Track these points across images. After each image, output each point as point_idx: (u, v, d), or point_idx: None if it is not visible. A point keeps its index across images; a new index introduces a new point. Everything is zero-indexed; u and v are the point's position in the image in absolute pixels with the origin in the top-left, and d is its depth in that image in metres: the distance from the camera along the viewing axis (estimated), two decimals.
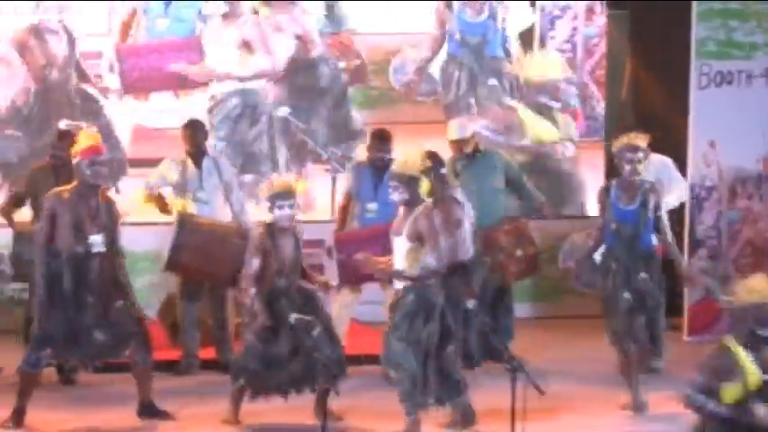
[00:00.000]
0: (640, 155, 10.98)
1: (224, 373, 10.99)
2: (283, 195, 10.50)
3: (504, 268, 11.81)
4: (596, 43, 14.76)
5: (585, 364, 12.15)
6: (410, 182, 10.14)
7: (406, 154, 10.56)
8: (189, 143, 12.03)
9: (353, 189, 12.24)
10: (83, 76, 13.23)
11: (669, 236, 11.15)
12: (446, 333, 10.20)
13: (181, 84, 13.61)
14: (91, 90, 13.49)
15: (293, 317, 10.38)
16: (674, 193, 12.42)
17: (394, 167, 10.22)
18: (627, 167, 11.10)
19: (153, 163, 12.41)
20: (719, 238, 13.50)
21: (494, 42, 14.43)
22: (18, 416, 10.21)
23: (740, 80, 13.40)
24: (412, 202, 10.14)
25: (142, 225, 12.69)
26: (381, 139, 12.21)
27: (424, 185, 10.12)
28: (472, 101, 14.34)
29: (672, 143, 12.94)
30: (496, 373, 10.60)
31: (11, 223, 11.59)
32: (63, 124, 12.44)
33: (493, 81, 14.54)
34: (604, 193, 11.05)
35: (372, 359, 11.72)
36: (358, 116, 14.17)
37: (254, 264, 10.44)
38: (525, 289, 11.88)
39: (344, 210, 12.32)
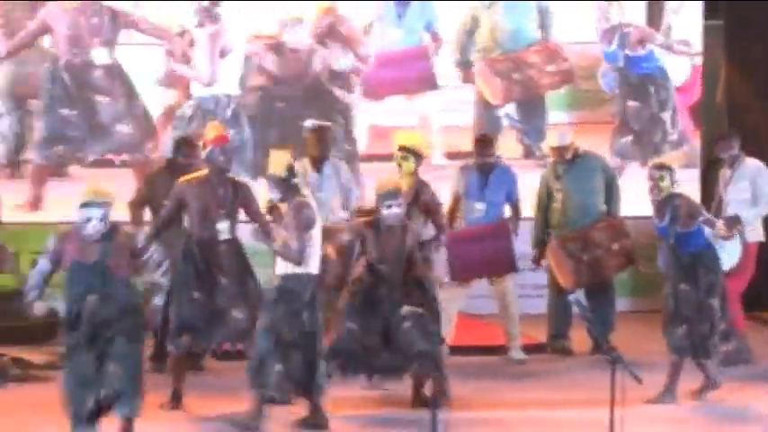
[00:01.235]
0: (663, 173, 10.76)
1: None
2: (392, 195, 10.51)
3: (604, 263, 11.75)
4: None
5: None
6: (279, 182, 10.09)
7: (272, 156, 10.49)
8: (316, 148, 11.89)
9: (461, 190, 12.12)
10: (333, 78, 13.40)
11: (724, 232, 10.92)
12: (311, 329, 10.06)
13: (412, 88, 13.80)
14: (338, 92, 13.64)
15: (405, 309, 10.34)
16: (766, 195, 12.18)
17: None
18: (650, 184, 11.01)
19: (385, 158, 12.57)
20: None
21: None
22: (176, 397, 10.27)
23: None
24: (285, 200, 10.10)
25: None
26: (485, 143, 12.15)
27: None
28: None
29: (766, 148, 12.81)
30: (597, 364, 10.66)
31: (139, 222, 11.37)
32: (309, 123, 12.47)
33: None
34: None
35: (479, 350, 12.01)
36: None
37: (354, 251, 10.51)
38: (624, 284, 11.84)
39: (453, 210, 12.19)
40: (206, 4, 13.38)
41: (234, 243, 10.44)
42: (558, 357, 12.02)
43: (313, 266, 9.96)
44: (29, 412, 10.32)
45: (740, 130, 12.72)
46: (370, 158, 13.66)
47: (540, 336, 12.38)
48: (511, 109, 13.95)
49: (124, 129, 13.17)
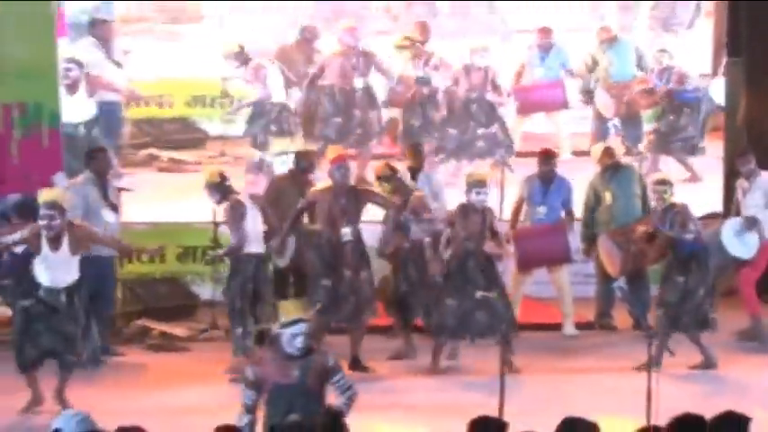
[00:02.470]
0: (665, 187, 11.01)
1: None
2: (478, 184, 10.82)
3: (644, 254, 11.45)
4: None
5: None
6: (214, 187, 10.55)
7: (204, 170, 11.17)
8: (414, 160, 11.91)
9: (525, 196, 12.18)
10: (495, 89, 13.70)
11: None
12: (257, 295, 10.48)
13: (550, 108, 14.39)
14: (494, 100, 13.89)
15: (479, 294, 10.63)
16: None
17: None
18: (655, 197, 11.23)
19: (532, 155, 12.96)
20: None
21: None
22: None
23: None
24: (222, 201, 10.56)
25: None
26: (547, 157, 12.24)
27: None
28: None
29: None
30: (637, 338, 11.01)
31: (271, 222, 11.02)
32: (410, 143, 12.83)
33: None
34: None
35: (539, 327, 12.13)
36: None
37: (446, 232, 10.71)
38: (657, 273, 11.53)
39: (517, 211, 12.24)
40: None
41: (355, 242, 10.65)
42: (604, 333, 12.08)
43: (255, 247, 10.54)
44: (172, 374, 10.80)
45: (756, 148, 12.74)
46: (522, 155, 13.89)
47: (589, 315, 12.38)
48: (617, 121, 14.27)
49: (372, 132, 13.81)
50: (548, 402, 9.28)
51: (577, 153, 14.13)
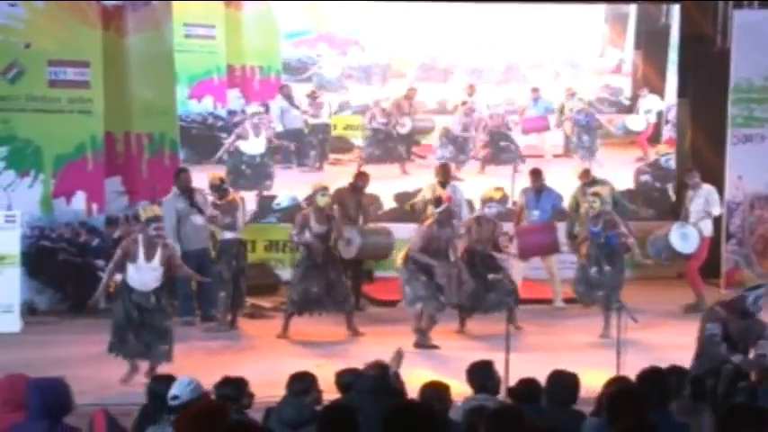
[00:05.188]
0: (596, 198, 10.76)
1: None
2: (490, 200, 10.80)
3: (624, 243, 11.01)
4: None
5: (659, 305, 11.84)
6: (215, 187, 10.63)
7: (209, 174, 10.98)
8: (442, 176, 11.82)
9: (524, 203, 12.23)
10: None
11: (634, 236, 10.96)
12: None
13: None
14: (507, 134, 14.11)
15: (490, 276, 10.45)
16: (715, 207, 12.12)
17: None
18: (585, 205, 11.14)
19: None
20: (744, 233, 13.15)
21: None
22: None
23: (757, 140, 13.03)
24: (222, 197, 10.58)
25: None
26: (536, 174, 12.20)
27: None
28: None
29: (715, 177, 12.72)
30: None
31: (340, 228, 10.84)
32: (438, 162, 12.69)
33: None
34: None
35: (535, 301, 11.91)
36: None
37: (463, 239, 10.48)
38: (628, 261, 11.29)
39: (518, 215, 12.29)
40: None
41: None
42: (584, 306, 11.64)
43: (237, 233, 10.59)
44: (260, 337, 10.55)
45: (699, 167, 12.80)
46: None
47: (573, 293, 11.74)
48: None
49: None
50: (541, 357, 9.10)
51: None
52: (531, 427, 4.64)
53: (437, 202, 10.37)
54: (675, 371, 6.15)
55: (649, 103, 14.60)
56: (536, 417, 5.14)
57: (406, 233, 11.30)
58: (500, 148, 14.37)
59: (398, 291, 10.50)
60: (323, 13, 13.86)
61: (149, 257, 8.75)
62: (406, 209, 12.48)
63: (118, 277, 9.04)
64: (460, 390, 6.25)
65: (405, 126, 13.96)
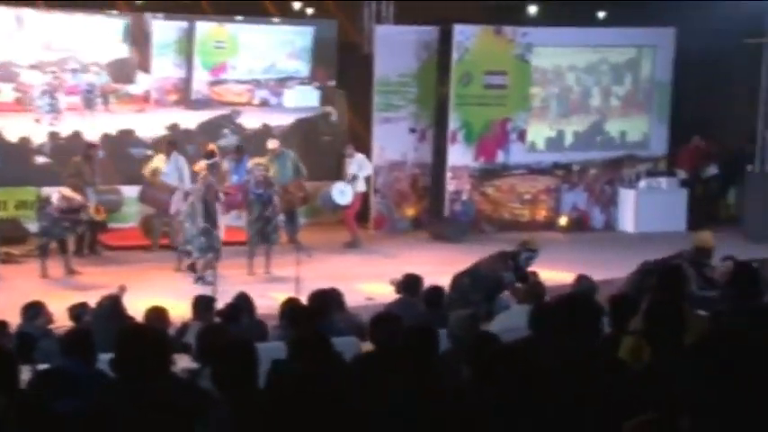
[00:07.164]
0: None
1: None
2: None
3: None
4: None
5: (326, 244, 11.82)
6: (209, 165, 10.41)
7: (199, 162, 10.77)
8: None
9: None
10: None
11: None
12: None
13: None
14: None
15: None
16: (366, 170, 12.36)
17: None
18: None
19: None
20: (385, 189, 13.15)
21: None
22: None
23: (395, 121, 13.14)
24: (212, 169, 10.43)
25: None
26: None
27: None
28: None
29: (365, 148, 12.76)
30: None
31: None
32: None
33: None
34: None
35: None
36: None
37: None
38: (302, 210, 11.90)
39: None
40: None
41: None
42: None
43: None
44: (13, 278, 10.26)
45: (354, 140, 13.03)
46: None
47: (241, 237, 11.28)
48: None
49: None
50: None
51: None
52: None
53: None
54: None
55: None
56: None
57: None
58: None
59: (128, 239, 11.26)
60: None
61: None
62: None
63: None
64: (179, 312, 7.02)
65: None
